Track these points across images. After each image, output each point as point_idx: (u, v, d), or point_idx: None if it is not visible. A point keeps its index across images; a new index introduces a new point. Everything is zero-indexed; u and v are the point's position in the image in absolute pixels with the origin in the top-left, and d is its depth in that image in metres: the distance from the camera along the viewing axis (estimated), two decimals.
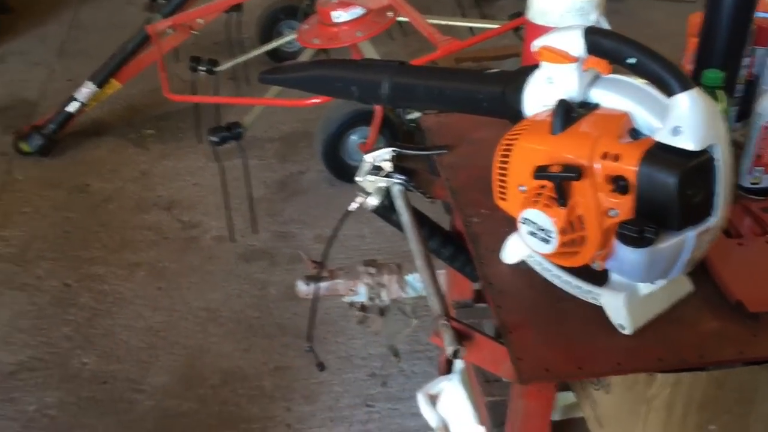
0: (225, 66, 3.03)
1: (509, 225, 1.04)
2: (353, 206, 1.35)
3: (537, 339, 1.01)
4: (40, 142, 3.04)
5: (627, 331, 1.00)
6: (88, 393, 2.06)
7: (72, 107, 3.05)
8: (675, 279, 1.01)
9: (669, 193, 0.89)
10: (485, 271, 1.13)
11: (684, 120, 0.89)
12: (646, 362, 0.98)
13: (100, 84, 3.06)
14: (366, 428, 1.96)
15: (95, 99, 3.08)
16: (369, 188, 1.34)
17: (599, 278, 1.02)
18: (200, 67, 2.97)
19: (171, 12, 3.01)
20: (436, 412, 1.63)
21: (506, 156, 1.01)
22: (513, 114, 1.09)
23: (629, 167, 0.90)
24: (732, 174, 0.94)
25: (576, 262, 0.97)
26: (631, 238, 0.91)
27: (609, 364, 0.98)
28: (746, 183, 1.29)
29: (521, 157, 0.99)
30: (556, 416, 1.26)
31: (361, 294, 1.62)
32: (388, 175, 1.33)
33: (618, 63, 0.97)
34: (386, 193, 1.34)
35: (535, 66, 1.06)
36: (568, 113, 0.97)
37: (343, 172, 2.82)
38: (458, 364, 1.68)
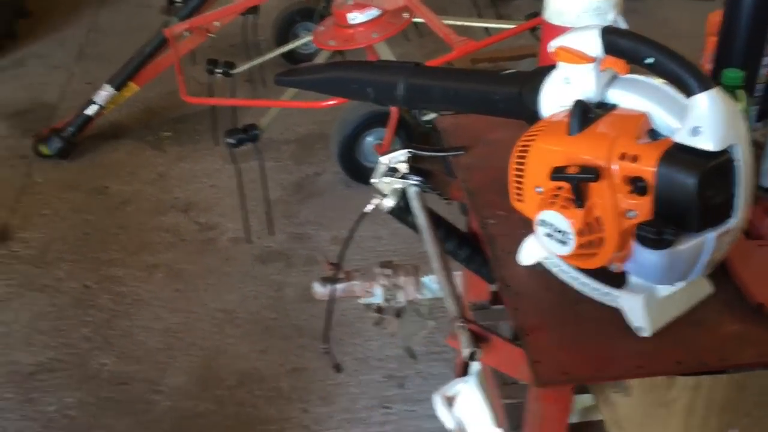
0: (241, 68, 3.04)
1: (526, 226, 1.03)
2: (369, 208, 1.34)
3: (554, 341, 1.00)
4: (60, 144, 3.07)
5: (646, 334, 0.99)
6: (107, 393, 2.07)
7: (91, 110, 3.08)
8: (694, 281, 1.00)
9: (688, 194, 0.88)
10: (502, 273, 1.13)
11: (703, 120, 0.88)
12: (665, 365, 0.97)
13: (119, 87, 3.08)
14: (383, 430, 1.96)
15: (113, 102, 3.11)
16: (385, 190, 1.34)
17: (617, 280, 1.01)
18: (217, 70, 2.98)
19: (188, 15, 3.03)
20: (453, 414, 1.63)
21: (523, 157, 1.01)
22: (529, 115, 1.08)
23: (648, 168, 0.89)
24: (752, 174, 0.92)
25: (594, 264, 0.96)
26: (650, 240, 0.90)
27: (627, 367, 0.97)
28: (767, 183, 1.27)
29: (538, 159, 0.99)
30: (573, 419, 1.25)
31: (378, 295, 1.62)
32: (403, 177, 1.33)
33: (636, 63, 0.96)
34: (402, 195, 1.34)
35: (552, 66, 1.05)
36: (586, 114, 0.96)
37: (359, 173, 2.82)
38: (475, 365, 1.67)
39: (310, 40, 3.01)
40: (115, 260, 2.57)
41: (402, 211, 1.35)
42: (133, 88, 3.12)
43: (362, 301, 1.63)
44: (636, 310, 0.99)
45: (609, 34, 0.98)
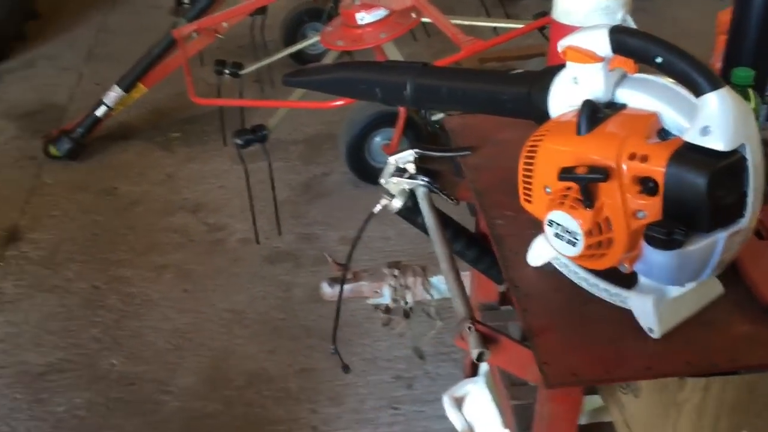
0: (249, 69, 3.04)
1: (535, 227, 1.03)
2: (377, 208, 1.34)
3: (564, 343, 1.00)
4: (69, 146, 3.08)
5: (656, 335, 0.98)
6: (117, 394, 2.08)
7: (100, 111, 3.09)
8: (705, 281, 0.99)
9: (698, 194, 0.87)
10: (511, 273, 1.12)
11: (713, 120, 0.88)
12: (675, 366, 0.96)
13: (127, 88, 3.09)
14: (391, 430, 1.96)
15: (122, 103, 3.12)
16: (393, 190, 1.34)
17: (627, 281, 1.01)
18: (225, 71, 2.98)
19: (196, 16, 3.03)
20: (462, 414, 1.62)
21: (531, 157, 1.00)
22: (538, 115, 1.08)
23: (657, 168, 0.89)
24: (763, 174, 0.92)
25: (603, 264, 0.96)
26: (660, 241, 0.89)
27: (637, 369, 0.96)
28: None
29: (546, 159, 0.98)
30: (583, 420, 1.25)
31: (386, 296, 1.62)
32: (412, 177, 1.33)
33: (645, 62, 0.95)
34: (410, 195, 1.34)
35: (561, 66, 1.05)
36: (594, 113, 0.96)
37: (367, 173, 2.82)
38: (483, 366, 1.67)
39: (318, 41, 3.01)
40: (124, 261, 2.57)
41: (410, 212, 1.34)
42: (141, 89, 3.13)
43: (370, 301, 1.63)
44: (646, 310, 0.98)
45: (618, 33, 0.97)
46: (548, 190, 0.99)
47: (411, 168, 1.33)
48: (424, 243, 1.40)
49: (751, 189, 0.91)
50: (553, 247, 0.97)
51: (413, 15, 2.60)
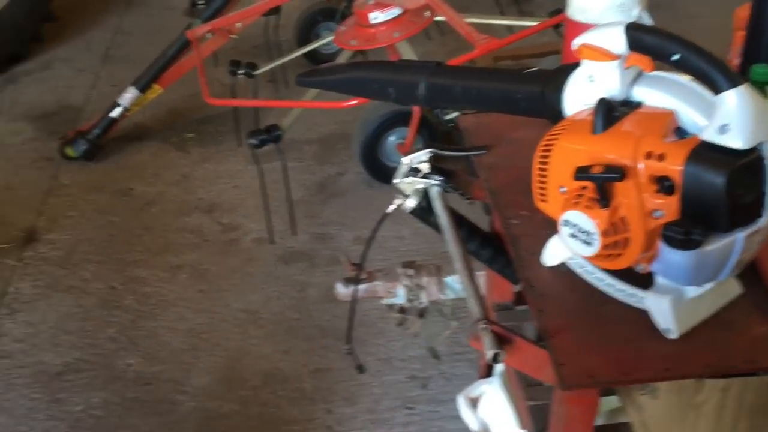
0: (264, 69, 3.05)
1: (550, 227, 1.02)
2: (391, 208, 1.34)
3: (580, 344, 0.99)
4: (85, 146, 3.10)
5: (673, 336, 0.97)
6: (133, 394, 2.09)
7: (115, 112, 3.11)
8: (723, 282, 0.98)
9: (717, 193, 0.86)
10: (526, 273, 1.11)
11: (731, 117, 0.86)
12: (693, 368, 0.95)
13: (143, 89, 3.11)
14: (406, 431, 1.95)
15: (138, 104, 3.14)
16: (407, 190, 1.34)
17: (644, 281, 1.00)
18: (239, 71, 2.99)
19: (210, 17, 3.04)
20: (477, 415, 1.62)
21: (546, 156, 1.00)
22: (553, 113, 1.07)
23: (674, 167, 0.88)
24: None
25: (619, 264, 0.95)
26: (678, 240, 0.88)
27: (655, 370, 0.95)
28: None
29: (561, 158, 0.97)
30: (599, 421, 1.24)
31: (400, 296, 1.61)
32: (426, 177, 1.32)
33: (661, 59, 0.94)
34: (424, 195, 1.33)
35: (576, 64, 1.04)
36: (610, 112, 0.95)
37: (382, 173, 2.82)
38: (499, 367, 1.66)
39: (331, 40, 3.01)
40: (139, 261, 2.59)
41: (424, 211, 1.34)
42: (156, 90, 3.14)
43: (385, 301, 1.63)
44: (663, 311, 0.97)
45: (633, 30, 0.96)
46: (563, 189, 0.98)
47: (425, 167, 1.33)
48: (438, 243, 1.40)
49: None
50: (569, 247, 0.96)
51: (427, 14, 2.59)
